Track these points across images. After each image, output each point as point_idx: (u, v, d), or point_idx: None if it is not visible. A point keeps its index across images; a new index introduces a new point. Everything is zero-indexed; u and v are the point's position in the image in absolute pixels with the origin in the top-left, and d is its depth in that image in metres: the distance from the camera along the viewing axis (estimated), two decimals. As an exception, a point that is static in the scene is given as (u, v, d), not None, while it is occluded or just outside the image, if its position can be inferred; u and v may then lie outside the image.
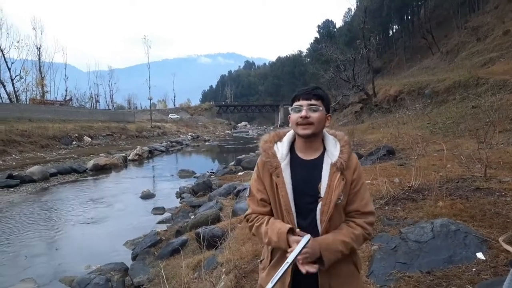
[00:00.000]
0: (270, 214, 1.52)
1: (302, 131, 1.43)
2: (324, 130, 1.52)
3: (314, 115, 1.43)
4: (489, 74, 17.81)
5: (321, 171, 1.43)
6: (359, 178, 1.47)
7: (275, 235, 1.40)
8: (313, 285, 1.43)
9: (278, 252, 1.49)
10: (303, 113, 1.42)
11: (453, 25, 44.12)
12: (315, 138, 1.48)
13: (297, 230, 1.38)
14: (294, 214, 1.44)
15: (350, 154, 1.46)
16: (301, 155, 1.49)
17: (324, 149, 1.49)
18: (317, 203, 1.41)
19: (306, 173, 1.45)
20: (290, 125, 1.52)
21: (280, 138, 1.54)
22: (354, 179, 1.45)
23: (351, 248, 1.42)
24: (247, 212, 1.58)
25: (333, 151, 1.46)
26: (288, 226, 1.40)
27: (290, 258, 1.26)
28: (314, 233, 1.39)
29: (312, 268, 1.31)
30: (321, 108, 1.45)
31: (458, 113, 14.30)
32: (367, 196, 1.49)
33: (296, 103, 1.47)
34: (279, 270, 1.23)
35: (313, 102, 1.44)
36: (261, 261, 1.63)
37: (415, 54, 49.86)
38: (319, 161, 1.46)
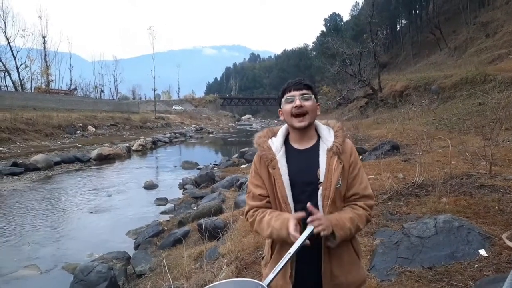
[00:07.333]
0: (270, 208, 1.50)
1: (298, 123, 1.45)
2: (316, 120, 1.53)
3: (307, 104, 1.45)
4: (497, 71, 17.59)
5: (318, 158, 1.44)
6: (356, 161, 1.49)
7: (279, 222, 1.38)
8: (315, 274, 1.44)
9: (277, 245, 1.49)
10: (297, 102, 1.44)
11: (462, 21, 43.53)
12: (309, 128, 1.49)
13: (308, 203, 1.33)
14: (291, 204, 1.43)
15: (344, 139, 1.48)
16: (296, 145, 1.50)
17: (319, 137, 1.50)
18: (316, 190, 1.40)
19: (302, 162, 1.46)
20: (283, 118, 1.52)
21: (274, 134, 1.56)
22: (352, 162, 1.46)
23: (357, 226, 1.42)
24: (246, 210, 1.55)
25: (328, 137, 1.48)
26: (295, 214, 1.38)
27: (292, 249, 1.25)
28: None
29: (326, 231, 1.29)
30: (312, 97, 1.48)
31: (464, 110, 14.15)
32: (365, 180, 1.50)
33: (288, 95, 1.48)
34: (281, 261, 1.22)
35: (304, 91, 1.47)
36: (263, 257, 1.63)
37: (423, 50, 49.35)
38: (315, 148, 1.47)
